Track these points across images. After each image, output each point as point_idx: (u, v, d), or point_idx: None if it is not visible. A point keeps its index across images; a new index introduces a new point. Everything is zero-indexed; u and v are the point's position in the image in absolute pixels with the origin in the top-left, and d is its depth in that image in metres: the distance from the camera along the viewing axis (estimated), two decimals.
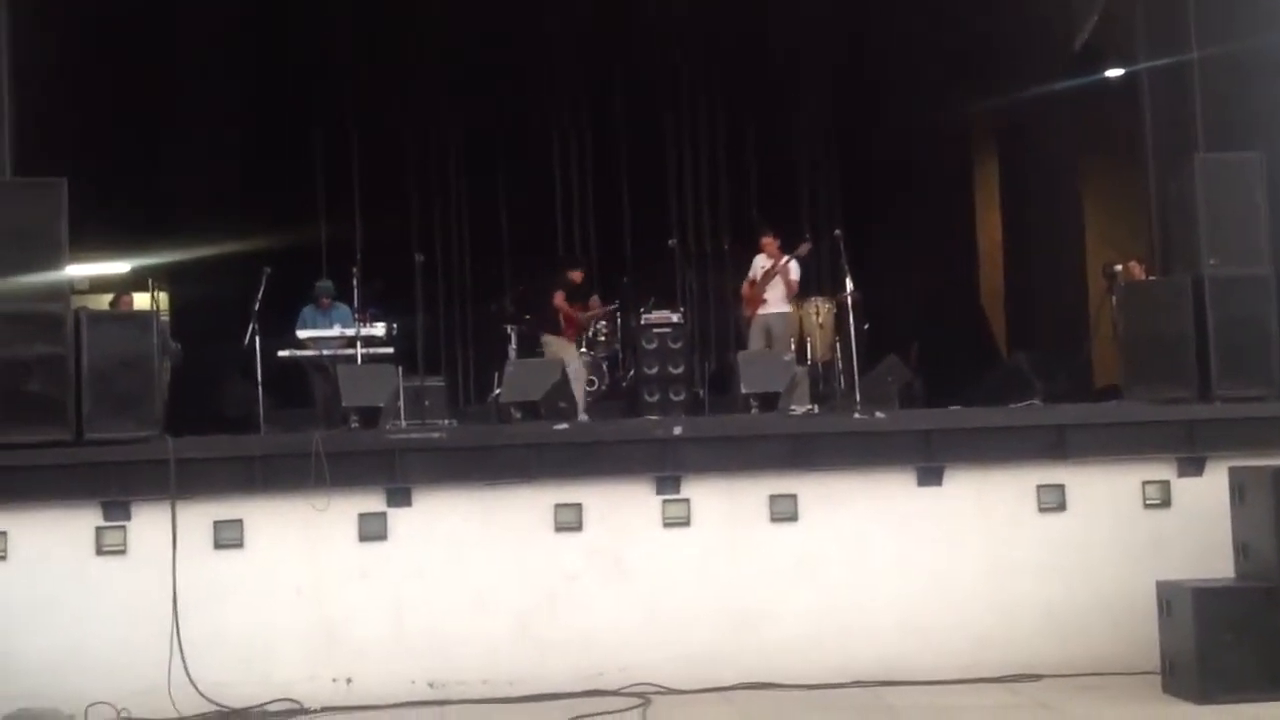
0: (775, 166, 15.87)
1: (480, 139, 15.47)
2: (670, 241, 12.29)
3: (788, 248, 12.02)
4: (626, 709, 7.58)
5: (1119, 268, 10.84)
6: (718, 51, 15.44)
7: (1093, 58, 13.12)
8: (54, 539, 7.93)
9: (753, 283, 12.05)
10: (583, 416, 10.65)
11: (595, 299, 12.80)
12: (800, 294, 12.18)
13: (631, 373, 12.20)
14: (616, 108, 15.51)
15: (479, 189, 15.57)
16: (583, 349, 12.60)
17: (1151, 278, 9.93)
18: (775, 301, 11.92)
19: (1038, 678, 8.00)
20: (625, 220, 15.34)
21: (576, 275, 12.21)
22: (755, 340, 11.86)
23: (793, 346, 11.55)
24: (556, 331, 11.99)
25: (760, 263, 12.05)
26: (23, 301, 8.06)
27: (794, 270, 11.89)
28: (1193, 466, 8.38)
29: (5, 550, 7.88)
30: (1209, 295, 8.52)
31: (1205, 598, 7.30)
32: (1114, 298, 10.19)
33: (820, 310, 12.04)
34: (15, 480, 7.89)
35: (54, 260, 8.17)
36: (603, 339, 12.70)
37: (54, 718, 7.38)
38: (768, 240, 12.09)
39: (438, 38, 14.93)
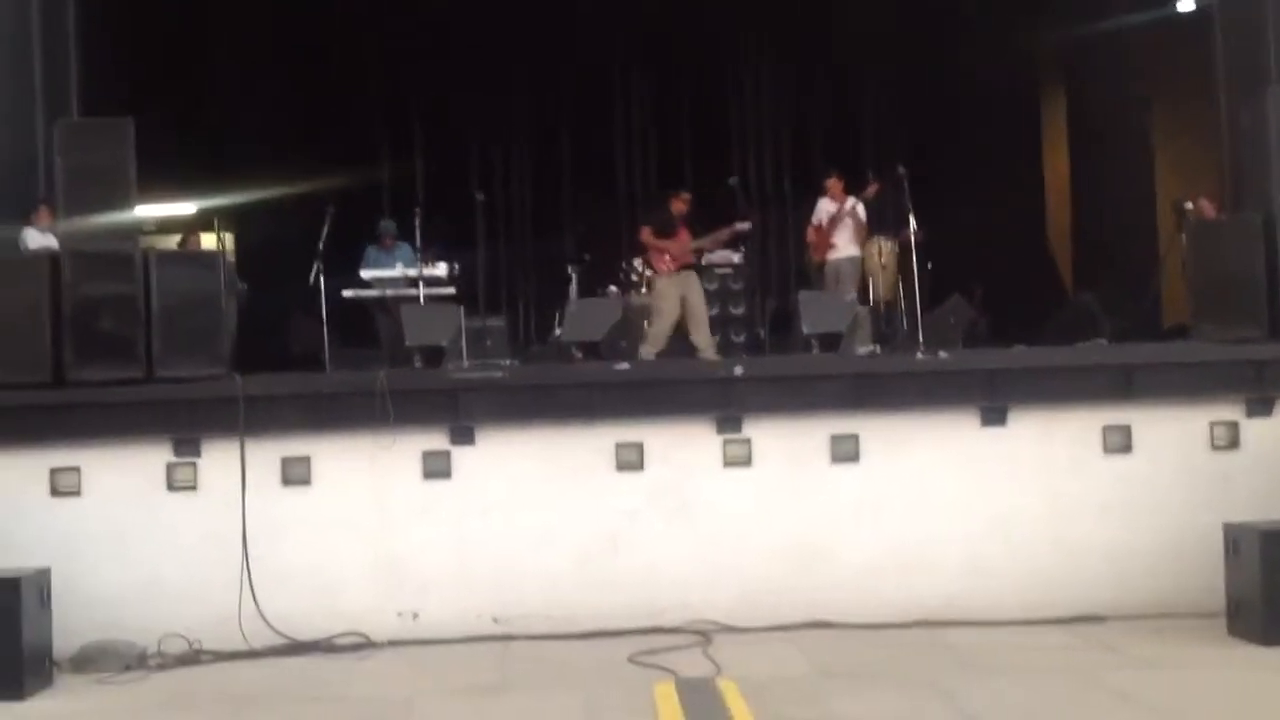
0: (838, 105, 15.68)
1: (541, 78, 15.39)
2: (730, 180, 11.99)
3: (852, 189, 11.80)
4: (687, 645, 7.66)
5: (1189, 204, 10.62)
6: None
7: None
8: (127, 475, 8.11)
9: (819, 228, 11.77)
10: (709, 353, 10.47)
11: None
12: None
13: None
14: (678, 46, 15.36)
15: (539, 131, 15.52)
16: (642, 289, 12.41)
17: (1222, 215, 9.74)
18: (844, 245, 11.63)
19: (1101, 619, 8.00)
20: (686, 159, 15.22)
21: (678, 204, 11.71)
22: (827, 285, 11.57)
23: (854, 287, 11.42)
24: (659, 271, 11.13)
25: (825, 206, 11.77)
26: (94, 241, 8.20)
27: (860, 212, 11.66)
28: (1261, 407, 8.28)
29: (79, 486, 8.07)
30: None
31: (1273, 539, 7.23)
32: (1183, 235, 10.01)
33: (883, 250, 11.89)
34: (88, 417, 8.07)
35: (123, 200, 8.30)
36: None
37: (128, 649, 7.59)
38: (833, 182, 11.81)
39: None
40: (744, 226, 11.56)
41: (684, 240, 11.04)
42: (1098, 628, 7.88)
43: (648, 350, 10.58)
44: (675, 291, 10.74)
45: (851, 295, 11.09)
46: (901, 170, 10.90)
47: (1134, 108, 14.17)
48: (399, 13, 14.89)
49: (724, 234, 11.38)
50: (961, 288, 11.98)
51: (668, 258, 10.97)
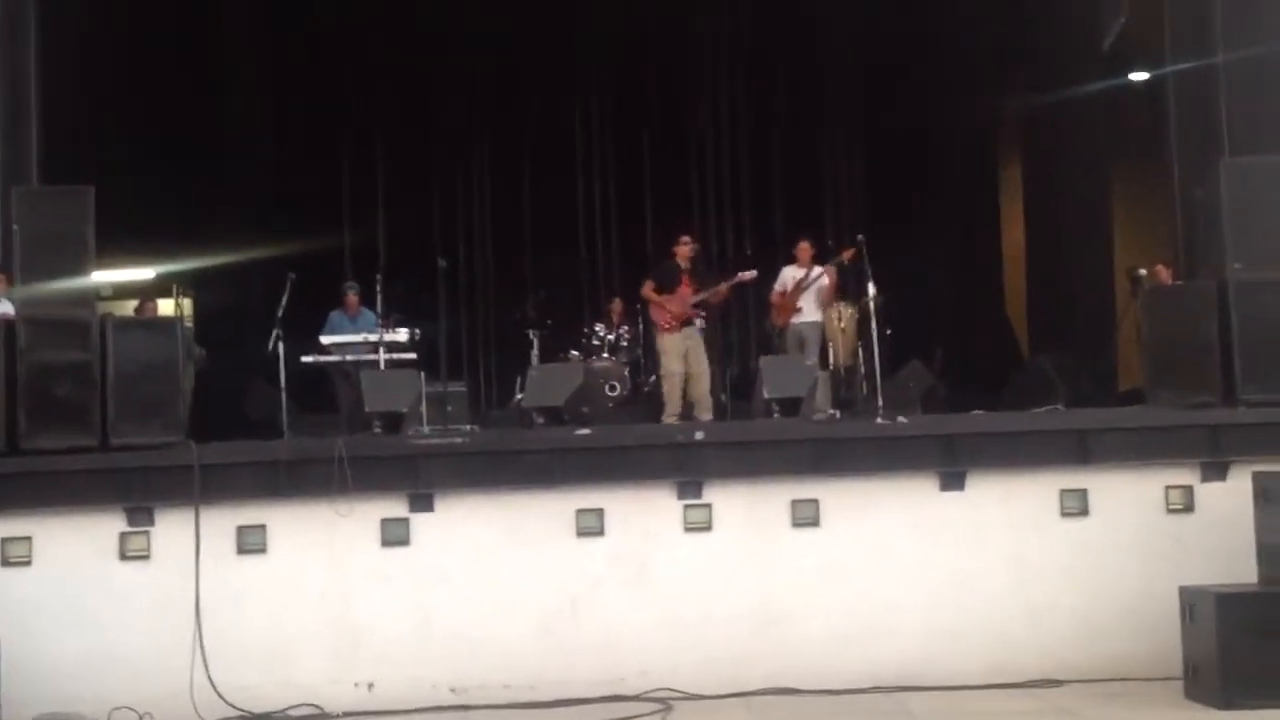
0: (799, 170, 15.84)
1: (503, 146, 15.50)
2: (685, 240, 11.85)
3: (820, 256, 11.81)
4: (648, 714, 7.60)
5: (1143, 271, 10.78)
6: (742, 56, 15.46)
7: (1120, 60, 13.09)
8: (79, 544, 7.99)
9: (784, 292, 11.83)
10: (705, 413, 10.47)
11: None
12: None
13: (654, 378, 12.18)
14: (639, 112, 15.51)
15: (502, 195, 15.60)
16: (604, 354, 12.44)
17: (1177, 282, 9.87)
18: (809, 310, 11.66)
19: (1060, 683, 7.98)
20: (648, 225, 15.34)
21: (682, 249, 11.27)
22: (791, 350, 11.56)
23: (815, 353, 11.50)
24: (661, 329, 11.19)
25: (791, 272, 11.79)
26: (50, 307, 8.15)
27: (826, 279, 11.61)
28: (1216, 471, 8.34)
29: (30, 555, 7.95)
30: (1234, 299, 8.47)
31: (1228, 603, 7.26)
32: (1138, 302, 10.14)
33: (842, 315, 11.98)
34: (41, 485, 7.96)
35: (81, 267, 8.26)
36: (625, 344, 12.69)
37: None
38: (803, 247, 11.80)
39: (462, 46, 14.98)
40: (748, 276, 11.62)
41: (685, 295, 11.04)
42: (1057, 691, 7.87)
43: (667, 416, 10.63)
44: (678, 350, 10.79)
45: (812, 360, 11.14)
46: (860, 237, 11.01)
47: (1092, 176, 14.39)
48: (364, 82, 15.00)
49: (725, 287, 11.42)
50: (920, 353, 12.07)
51: (669, 315, 10.97)
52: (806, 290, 11.63)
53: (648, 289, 11.24)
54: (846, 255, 11.47)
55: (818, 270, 11.66)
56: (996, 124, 16.19)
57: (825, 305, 11.73)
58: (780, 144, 15.86)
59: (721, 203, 15.96)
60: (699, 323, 11.33)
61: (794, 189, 15.75)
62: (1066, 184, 14.76)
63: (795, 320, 11.65)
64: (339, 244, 14.79)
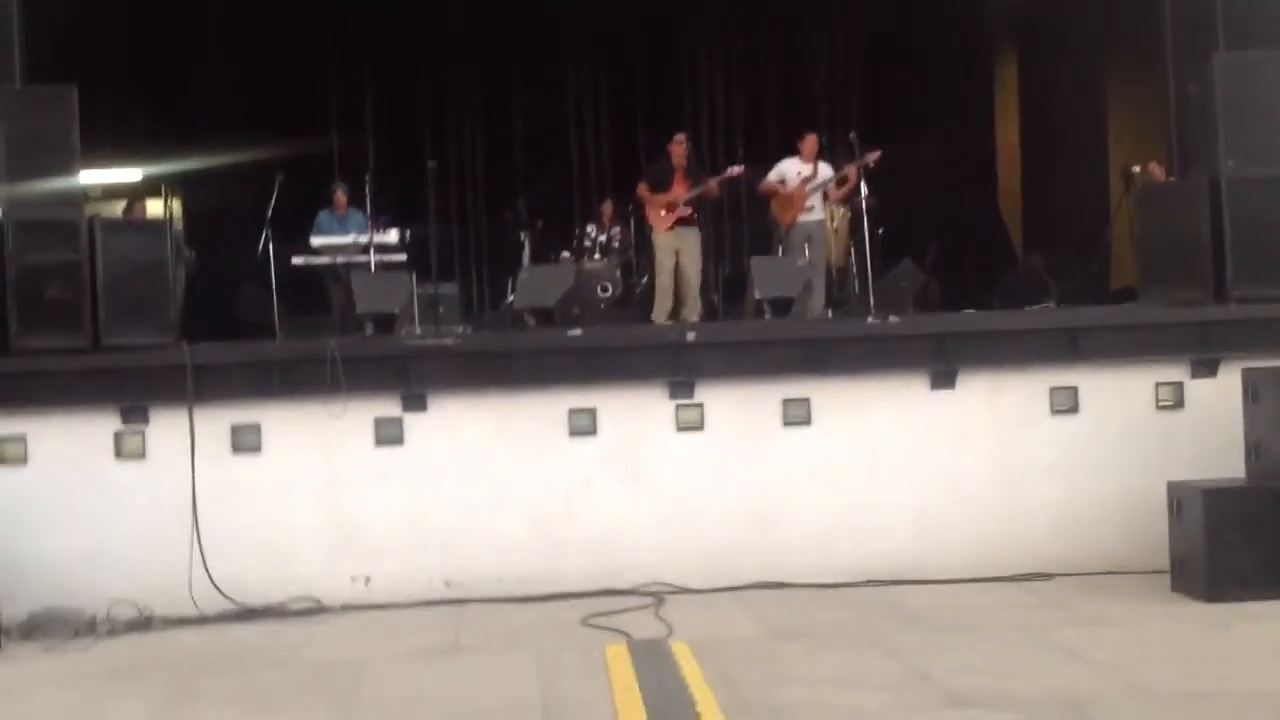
0: (790, 70, 15.66)
1: (493, 45, 15.28)
2: (678, 139, 11.68)
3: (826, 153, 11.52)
4: (640, 607, 7.69)
5: (1137, 169, 10.72)
6: None
7: None
8: (74, 443, 8.05)
9: (781, 183, 11.21)
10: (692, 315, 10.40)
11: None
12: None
13: (645, 279, 12.16)
14: (629, 11, 15.29)
15: (492, 97, 15.41)
16: (595, 255, 12.38)
17: (1170, 179, 9.83)
18: (817, 208, 11.24)
19: (1049, 576, 8.10)
20: (639, 125, 15.18)
21: (676, 149, 11.02)
22: (794, 249, 11.11)
23: (806, 252, 11.41)
24: (655, 227, 11.12)
25: (795, 165, 11.25)
26: (38, 209, 8.11)
27: (827, 173, 11.22)
28: (1206, 368, 8.38)
29: (26, 454, 8.01)
30: (1226, 196, 8.46)
31: (1215, 498, 7.34)
32: (1131, 199, 10.10)
33: (835, 215, 11.91)
34: (34, 385, 8.00)
35: (67, 167, 8.21)
36: (616, 245, 12.65)
37: (75, 616, 7.55)
38: (810, 141, 11.24)
39: None
40: (735, 171, 11.42)
41: (679, 192, 10.92)
42: (1046, 585, 7.99)
43: (657, 313, 10.57)
44: (671, 247, 10.72)
45: (804, 260, 11.09)
46: (853, 136, 10.92)
47: (1088, 73, 14.24)
48: None
49: (713, 183, 11.27)
50: (914, 252, 12.04)
51: (663, 213, 10.88)
52: (816, 189, 11.28)
53: (642, 189, 11.13)
54: (871, 158, 10.91)
55: (826, 169, 11.22)
56: (991, 21, 15.97)
57: (834, 203, 11.36)
58: (772, 43, 15.65)
59: (714, 102, 15.77)
60: (694, 222, 11.21)
61: (786, 88, 15.56)
62: (1061, 80, 14.62)
63: (803, 218, 11.24)
64: (328, 145, 14.62)
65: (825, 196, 11.39)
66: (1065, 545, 8.24)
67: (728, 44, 15.80)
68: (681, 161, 11.14)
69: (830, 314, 10.20)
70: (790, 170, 11.29)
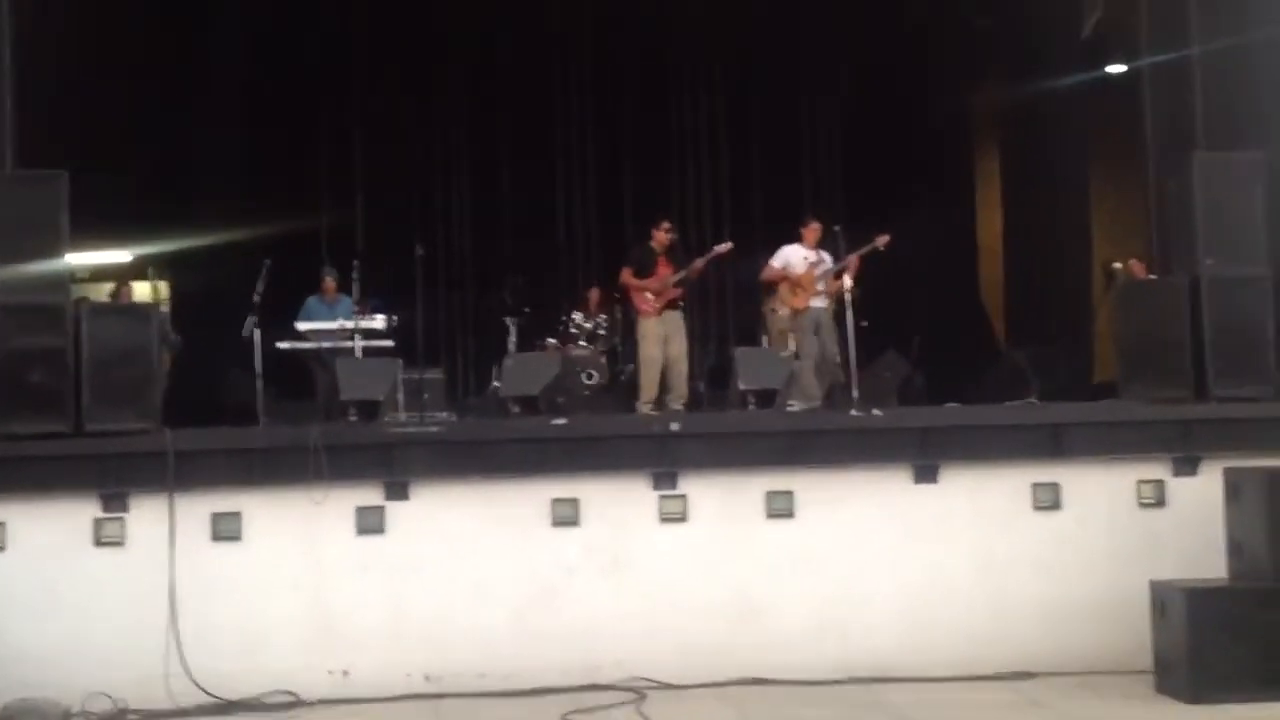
0: (778, 159, 15.83)
1: (482, 133, 15.45)
2: (665, 227, 11.69)
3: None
4: (622, 703, 7.62)
5: (1118, 265, 10.84)
6: (721, 44, 15.42)
7: (1098, 51, 13.11)
8: (53, 530, 7.97)
9: (783, 269, 11.08)
10: (677, 402, 10.37)
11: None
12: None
13: (631, 367, 12.19)
14: (619, 100, 15.49)
15: (480, 183, 15.55)
16: (581, 342, 12.44)
17: (1151, 276, 9.93)
18: (823, 296, 11.05)
19: (1032, 675, 8.04)
20: (626, 212, 15.32)
21: (660, 235, 11.00)
22: (805, 335, 10.98)
23: (791, 343, 11.44)
24: (641, 313, 11.08)
25: (801, 251, 11.14)
26: (24, 293, 8.11)
27: (829, 259, 11.06)
28: (1187, 466, 8.41)
29: (4, 540, 7.92)
30: (1205, 295, 8.55)
31: (1198, 598, 7.33)
32: (1111, 296, 10.20)
33: None
34: (15, 471, 7.92)
35: (55, 252, 8.22)
36: (603, 332, 12.69)
37: (51, 708, 7.42)
38: (813, 228, 11.16)
39: (443, 32, 14.93)
40: (723, 248, 11.41)
41: (663, 276, 10.92)
42: (1029, 684, 7.94)
43: (642, 405, 10.53)
44: (658, 334, 10.70)
45: (788, 351, 11.12)
46: (837, 228, 10.99)
47: (1071, 167, 14.44)
48: (343, 66, 14.94)
49: (701, 262, 11.25)
50: (897, 343, 12.09)
51: (649, 297, 10.87)
52: (824, 275, 11.05)
53: (626, 274, 11.15)
54: (881, 241, 10.83)
55: (827, 258, 11.13)
56: (974, 113, 16.22)
57: (831, 293, 11.24)
58: (759, 132, 15.84)
59: (700, 191, 15.94)
60: (680, 306, 11.20)
61: (772, 177, 15.73)
62: (1044, 175, 14.82)
63: (814, 303, 11.08)
64: (315, 229, 14.72)
65: (826, 288, 11.27)
66: (1049, 643, 8.19)
67: (714, 128, 15.98)
68: (664, 247, 11.18)
69: (818, 404, 10.19)
70: (795, 256, 11.21)
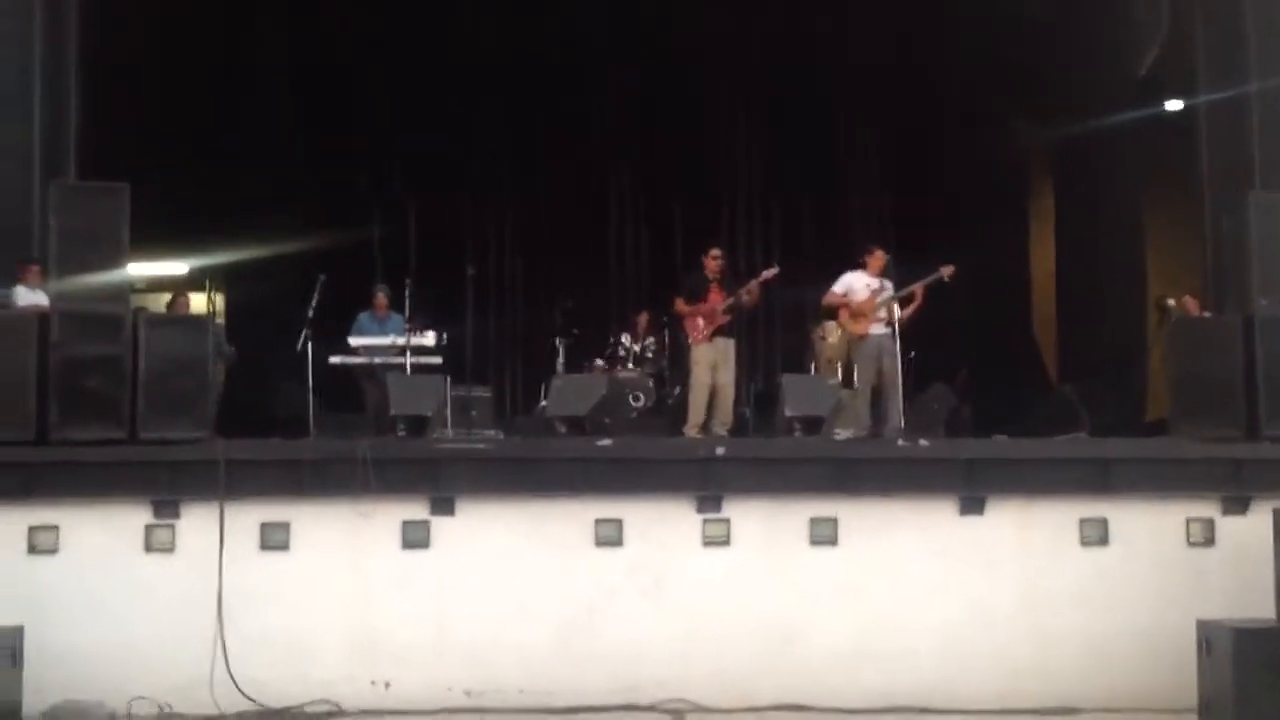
0: (828, 189, 15.84)
1: (534, 154, 15.55)
2: (714, 254, 11.74)
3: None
4: None
5: (1171, 302, 10.76)
6: (772, 74, 15.46)
7: (1155, 88, 13.04)
8: (105, 535, 8.11)
9: (845, 295, 10.96)
10: (722, 429, 10.41)
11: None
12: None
13: (678, 390, 12.22)
14: (670, 125, 15.54)
15: (532, 204, 15.65)
16: (629, 364, 12.49)
17: (1205, 314, 9.87)
18: (884, 323, 10.88)
19: (1074, 711, 8.02)
20: (676, 236, 15.37)
21: (710, 262, 11.06)
22: (865, 361, 10.86)
23: (839, 371, 11.43)
24: (693, 339, 11.05)
25: (864, 279, 11.03)
26: (84, 302, 8.27)
27: (890, 287, 10.94)
28: (1237, 505, 8.35)
29: (57, 544, 8.06)
30: (1259, 335, 8.50)
31: (1245, 638, 7.26)
32: (1164, 333, 10.13)
33: None
34: (69, 476, 8.07)
35: (115, 262, 8.39)
36: (650, 355, 12.73)
37: (97, 710, 7.56)
38: (878, 256, 11.10)
39: (495, 56, 15.06)
40: (771, 273, 11.39)
41: (714, 302, 10.95)
42: (1070, 719, 7.89)
43: (688, 429, 10.55)
44: (708, 360, 10.73)
45: (835, 379, 11.10)
46: (888, 258, 10.98)
47: (1127, 203, 14.35)
48: (397, 80, 15.08)
49: (752, 286, 11.23)
50: (947, 375, 12.05)
51: (700, 323, 10.90)
52: (885, 302, 10.86)
53: (679, 305, 11.20)
54: (946, 272, 10.73)
55: (889, 286, 11.10)
56: (1029, 149, 16.16)
57: (894, 322, 11.13)
58: (810, 163, 15.82)
59: (750, 219, 15.97)
60: (730, 333, 11.21)
61: (822, 207, 15.74)
62: (1099, 211, 14.72)
63: (874, 330, 10.94)
64: (370, 247, 14.85)
65: (888, 314, 11.19)
66: (1092, 679, 8.14)
67: (766, 155, 16.00)
68: (716, 274, 11.22)
69: (853, 434, 10.16)
70: (858, 283, 11.11)
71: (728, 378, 10.92)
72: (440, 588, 8.25)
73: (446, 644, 8.16)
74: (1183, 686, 7.68)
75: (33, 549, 8.02)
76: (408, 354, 10.92)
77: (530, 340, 14.60)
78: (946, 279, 10.75)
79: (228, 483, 8.07)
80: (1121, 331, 13.70)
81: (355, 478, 8.08)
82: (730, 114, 15.83)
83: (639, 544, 8.37)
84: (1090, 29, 13.03)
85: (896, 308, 10.68)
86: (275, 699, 7.85)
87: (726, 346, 11.04)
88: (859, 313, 11.01)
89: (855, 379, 10.91)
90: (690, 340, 11.11)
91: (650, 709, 7.95)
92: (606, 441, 8.94)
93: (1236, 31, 9.75)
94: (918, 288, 10.77)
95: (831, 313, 11.43)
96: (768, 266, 11.90)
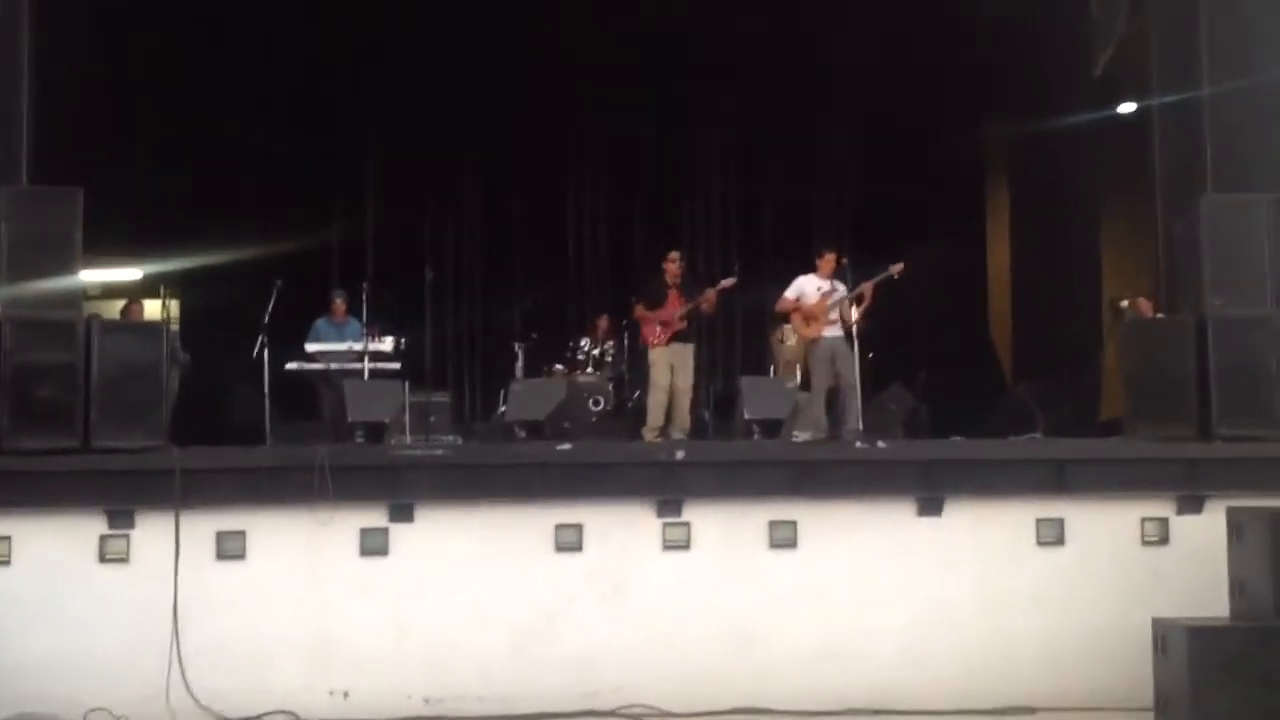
0: (788, 189, 15.89)
1: (494, 157, 15.53)
2: (672, 257, 11.73)
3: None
4: None
5: (1125, 303, 10.85)
6: (733, 74, 15.48)
7: (1110, 89, 13.15)
8: (58, 545, 8.02)
9: (797, 300, 10.99)
10: (679, 433, 10.46)
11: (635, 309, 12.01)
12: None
13: (637, 394, 12.22)
14: (631, 129, 15.55)
15: (491, 207, 15.62)
16: (588, 368, 12.50)
17: (1158, 314, 9.95)
18: (837, 324, 10.95)
19: (1032, 711, 8.06)
20: (636, 240, 15.38)
21: (669, 266, 11.11)
22: (818, 365, 10.89)
23: (798, 373, 11.46)
24: (650, 344, 11.12)
25: (815, 282, 11.05)
26: (36, 308, 8.18)
27: (843, 289, 10.95)
28: (1192, 504, 8.42)
29: (9, 555, 7.97)
30: (1212, 335, 8.57)
31: (1200, 636, 7.31)
32: (1119, 333, 10.22)
33: None
34: (22, 485, 7.98)
35: (68, 268, 8.30)
36: (610, 359, 12.73)
37: None
38: (829, 258, 11.09)
39: (456, 58, 15.01)
40: (728, 283, 11.42)
41: (673, 307, 10.96)
42: (1028, 719, 7.94)
43: (648, 431, 10.57)
44: (666, 363, 10.74)
45: (794, 381, 11.13)
46: (843, 260, 11.01)
47: (1079, 203, 14.45)
48: (356, 88, 15.02)
49: (710, 295, 11.25)
50: (903, 376, 12.10)
51: (658, 328, 10.93)
52: (836, 304, 10.91)
53: (639, 309, 11.21)
54: (896, 269, 10.80)
55: (841, 287, 11.11)
56: (985, 148, 16.26)
57: (848, 323, 11.15)
58: (769, 162, 15.89)
59: (710, 220, 16.00)
60: (688, 338, 11.22)
61: (782, 208, 15.79)
62: (1054, 210, 14.83)
63: (827, 333, 10.98)
64: (328, 251, 14.79)
65: (840, 315, 11.20)
66: (1050, 678, 8.20)
67: (725, 164, 16.05)
68: (675, 279, 11.22)
69: (810, 437, 10.19)
70: (809, 286, 11.14)
71: (685, 382, 10.94)
72: (399, 595, 8.20)
73: (405, 651, 8.12)
74: (1139, 685, 7.71)
75: None
76: (365, 360, 10.87)
77: (489, 345, 14.58)
78: (896, 276, 10.81)
79: (183, 491, 7.99)
80: (1076, 332, 13.80)
81: (313, 485, 8.02)
82: (690, 115, 15.84)
83: (599, 549, 8.36)
84: (1046, 29, 13.12)
85: (854, 309, 10.71)
86: (233, 709, 7.80)
87: (684, 351, 11.05)
88: (810, 316, 11.04)
89: (809, 383, 10.95)
90: (648, 344, 11.12)
91: (610, 714, 7.94)
92: (566, 446, 8.93)
93: (1190, 34, 9.82)
94: (867, 287, 10.82)
95: (786, 317, 11.47)
96: (727, 270, 11.94)
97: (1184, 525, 8.41)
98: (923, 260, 14.21)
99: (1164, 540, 8.44)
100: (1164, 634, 7.54)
